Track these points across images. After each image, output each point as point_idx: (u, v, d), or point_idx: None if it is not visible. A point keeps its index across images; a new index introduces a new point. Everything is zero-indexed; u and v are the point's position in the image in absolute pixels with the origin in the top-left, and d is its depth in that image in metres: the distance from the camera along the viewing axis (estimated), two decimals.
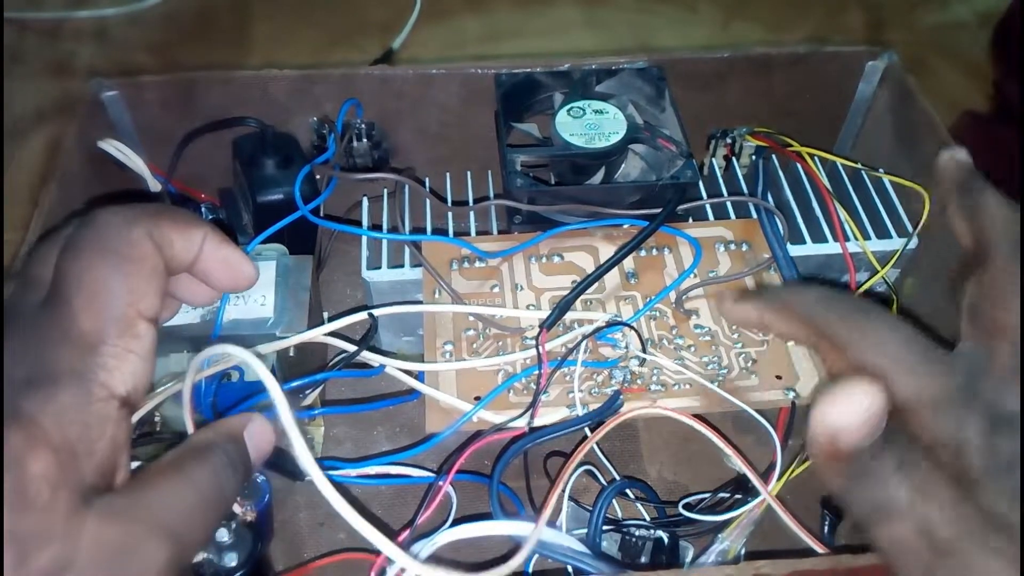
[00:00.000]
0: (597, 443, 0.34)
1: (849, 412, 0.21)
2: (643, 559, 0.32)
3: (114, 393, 0.22)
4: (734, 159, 0.43)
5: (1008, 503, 0.20)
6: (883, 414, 0.21)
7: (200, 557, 0.30)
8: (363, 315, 0.34)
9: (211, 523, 0.24)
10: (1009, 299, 0.24)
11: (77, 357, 0.21)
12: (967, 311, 0.26)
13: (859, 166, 0.40)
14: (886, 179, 0.40)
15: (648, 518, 0.33)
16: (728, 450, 0.30)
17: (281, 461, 0.33)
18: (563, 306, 0.33)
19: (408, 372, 0.33)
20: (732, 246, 0.37)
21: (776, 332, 0.28)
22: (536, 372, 0.31)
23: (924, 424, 0.22)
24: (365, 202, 0.40)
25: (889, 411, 0.22)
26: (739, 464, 0.31)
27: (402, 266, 0.36)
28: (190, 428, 0.27)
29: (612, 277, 0.35)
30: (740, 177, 0.42)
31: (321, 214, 0.39)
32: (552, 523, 0.32)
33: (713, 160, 0.43)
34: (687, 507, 0.32)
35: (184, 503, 0.22)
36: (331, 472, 0.33)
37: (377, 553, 0.30)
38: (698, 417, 0.31)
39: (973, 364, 0.23)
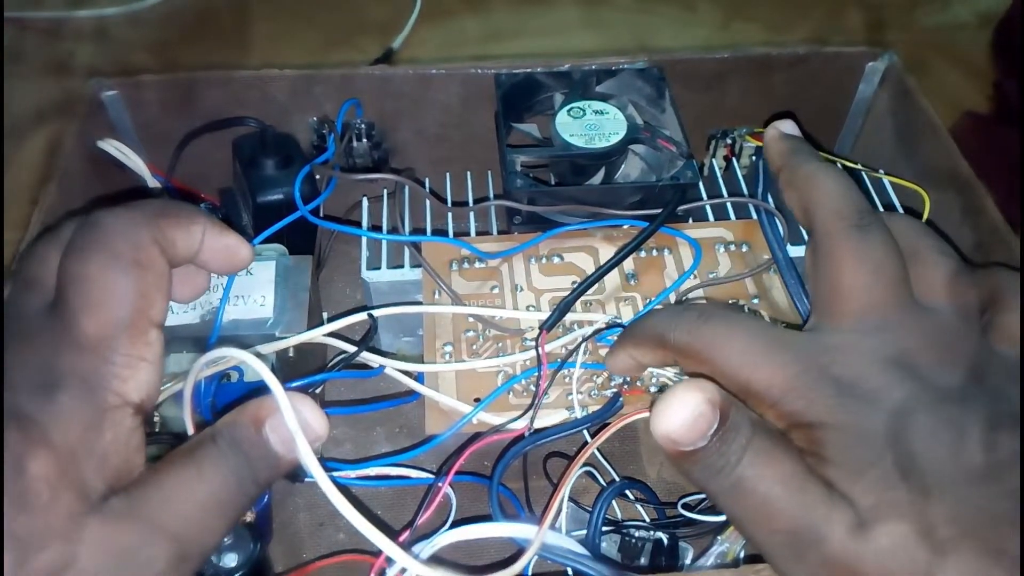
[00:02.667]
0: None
1: (678, 419, 0.22)
2: (642, 560, 0.32)
3: (128, 400, 0.22)
4: (734, 160, 0.43)
5: (850, 476, 0.21)
6: (713, 413, 0.22)
7: None
8: (363, 316, 0.34)
9: (221, 525, 0.22)
10: (840, 266, 0.25)
11: (89, 365, 0.21)
12: (809, 284, 0.27)
13: (859, 167, 0.40)
14: (886, 180, 0.40)
15: (648, 519, 0.33)
16: None
17: None
18: (563, 307, 0.33)
19: (408, 373, 0.33)
20: (732, 247, 0.37)
21: (649, 364, 0.29)
22: (536, 374, 0.31)
23: (777, 411, 0.23)
24: (365, 202, 0.40)
25: (745, 400, 0.23)
26: None
27: (402, 267, 0.36)
28: (190, 429, 0.27)
29: (612, 278, 0.35)
30: (740, 178, 0.41)
31: (321, 214, 0.39)
32: (551, 525, 0.32)
33: (713, 161, 0.43)
34: (686, 507, 0.32)
35: (190, 503, 0.21)
36: (331, 473, 0.33)
37: (377, 554, 0.30)
38: None
39: (816, 342, 0.24)
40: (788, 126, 0.32)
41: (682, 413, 0.22)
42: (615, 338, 0.31)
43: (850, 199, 0.27)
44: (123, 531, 0.20)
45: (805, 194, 0.28)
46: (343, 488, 0.33)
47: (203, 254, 0.25)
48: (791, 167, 0.29)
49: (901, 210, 0.39)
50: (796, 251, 0.36)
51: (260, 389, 0.34)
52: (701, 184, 0.39)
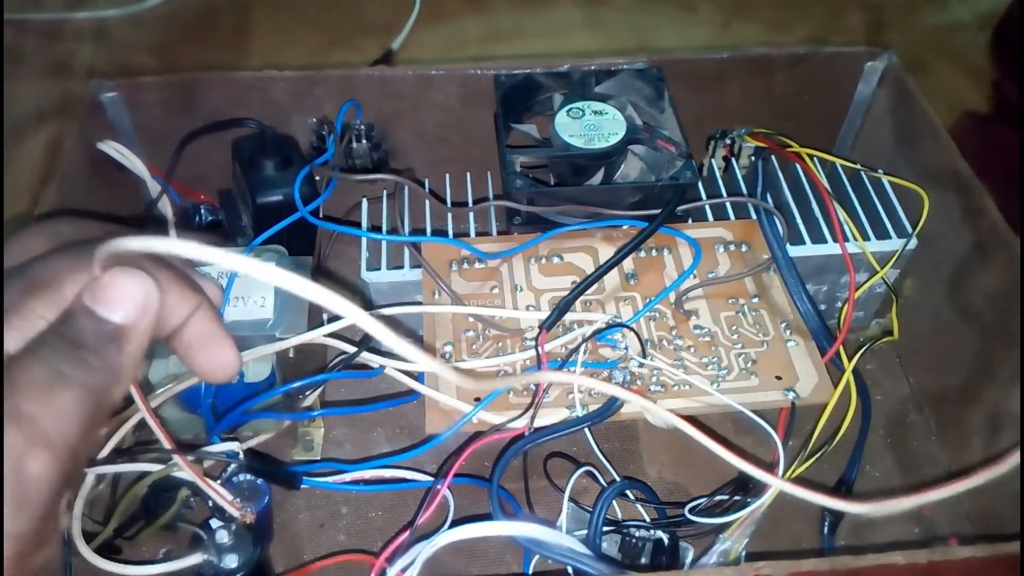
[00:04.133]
0: (597, 444, 0.35)
1: None
2: (643, 560, 0.32)
3: (115, 399, 0.21)
4: (733, 160, 0.43)
5: None
6: None
7: (201, 559, 0.30)
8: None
9: (88, 418, 0.20)
10: None
11: (109, 357, 0.20)
12: None
13: (858, 167, 0.40)
14: (885, 180, 0.40)
15: (648, 519, 0.33)
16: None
17: (276, 470, 0.33)
18: (563, 307, 0.33)
19: (408, 373, 0.33)
20: (731, 247, 0.37)
21: None
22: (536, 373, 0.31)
23: None
24: (364, 203, 0.40)
25: None
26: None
27: (402, 267, 0.36)
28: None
29: (612, 278, 0.35)
30: (739, 178, 0.42)
31: (320, 215, 0.39)
32: (552, 524, 0.32)
33: (712, 161, 0.43)
34: (690, 510, 0.32)
35: (54, 404, 0.19)
36: (332, 474, 0.33)
37: (376, 554, 0.30)
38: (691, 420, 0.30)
39: None
40: None
41: None
42: None
43: None
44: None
45: None
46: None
47: (188, 333, 0.23)
48: None
49: (901, 210, 0.39)
50: (795, 251, 0.37)
51: (262, 390, 0.34)
52: (700, 184, 0.39)
